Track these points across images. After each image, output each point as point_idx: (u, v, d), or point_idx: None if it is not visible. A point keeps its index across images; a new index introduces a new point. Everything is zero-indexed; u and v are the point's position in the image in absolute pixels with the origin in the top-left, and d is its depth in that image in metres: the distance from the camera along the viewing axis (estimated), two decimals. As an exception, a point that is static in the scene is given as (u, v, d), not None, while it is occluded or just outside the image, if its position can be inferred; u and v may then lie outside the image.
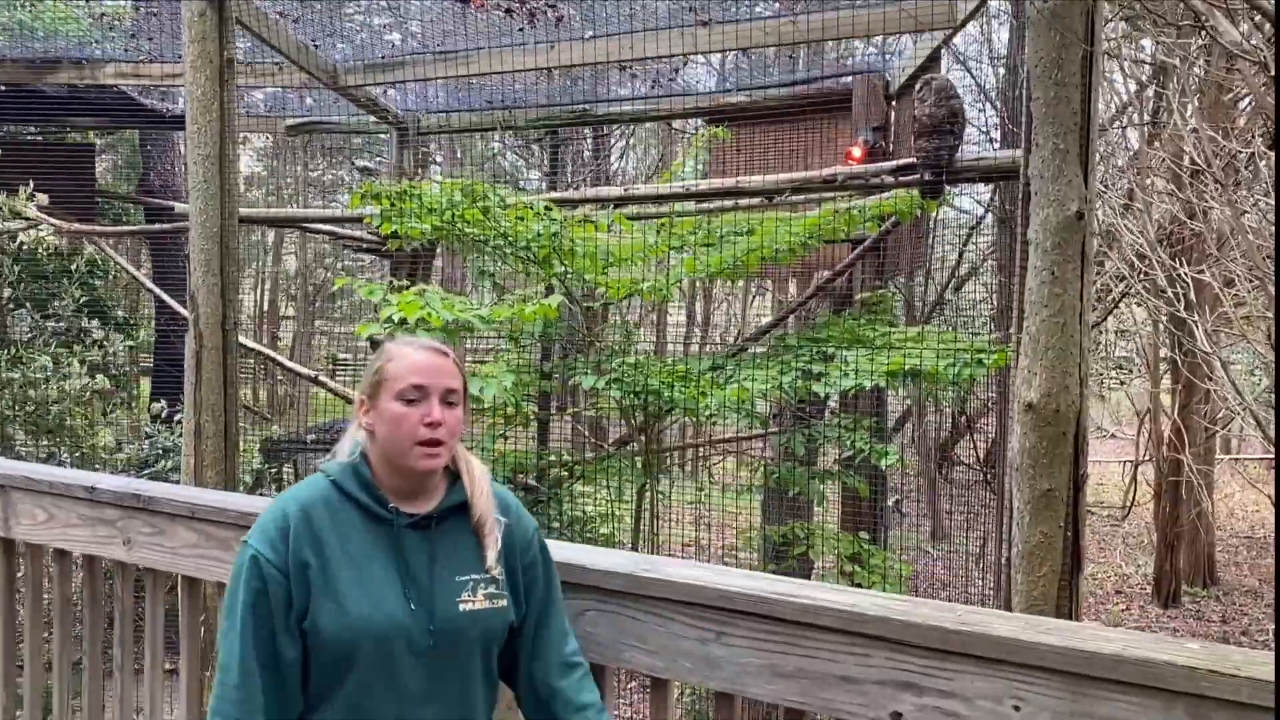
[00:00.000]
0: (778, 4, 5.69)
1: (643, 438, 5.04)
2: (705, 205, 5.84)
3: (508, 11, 5.20)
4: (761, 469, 5.46)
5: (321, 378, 6.40)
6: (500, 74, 6.17)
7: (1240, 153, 6.08)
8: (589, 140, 16.07)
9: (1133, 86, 10.17)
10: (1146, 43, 10.43)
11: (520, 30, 5.32)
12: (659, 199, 4.87)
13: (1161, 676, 1.44)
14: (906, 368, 4.17)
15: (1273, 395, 9.06)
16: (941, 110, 3.53)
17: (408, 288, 4.34)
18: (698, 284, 18.68)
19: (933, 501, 13.94)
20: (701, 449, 11.41)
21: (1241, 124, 8.74)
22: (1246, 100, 9.48)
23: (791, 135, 7.00)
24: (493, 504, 1.77)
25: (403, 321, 3.75)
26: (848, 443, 4.48)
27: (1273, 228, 5.49)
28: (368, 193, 4.53)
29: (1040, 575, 3.25)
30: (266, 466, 8.41)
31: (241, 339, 6.17)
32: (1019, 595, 3.30)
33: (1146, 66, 9.96)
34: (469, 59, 5.96)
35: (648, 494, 5.06)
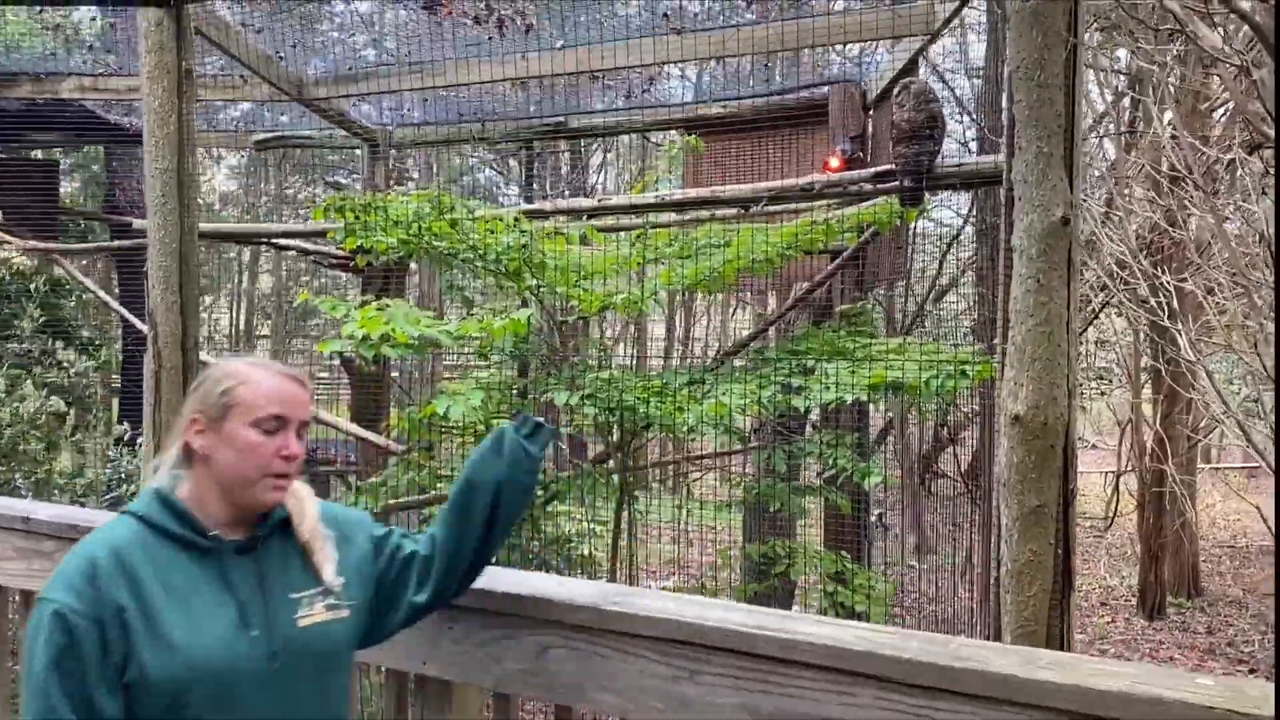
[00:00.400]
0: (751, 13, 5.60)
1: (620, 455, 4.90)
2: (682, 217, 5.74)
3: (476, 20, 5.08)
4: (742, 485, 5.33)
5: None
6: (471, 85, 6.05)
7: (1220, 159, 6.03)
8: (566, 154, 15.98)
9: (1109, 96, 10.17)
10: (1122, 53, 10.44)
11: (490, 40, 5.20)
12: (633, 210, 4.76)
13: (1175, 716, 1.32)
14: (889, 381, 4.06)
15: (1254, 404, 9.03)
16: (921, 115, 3.43)
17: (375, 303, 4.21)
18: (678, 297, 18.62)
19: (916, 514, 13.86)
20: (681, 465, 11.28)
21: (1218, 133, 8.73)
22: (1223, 109, 9.49)
23: (768, 147, 6.92)
24: (319, 518, 1.67)
25: (365, 338, 3.61)
26: (829, 460, 4.35)
27: (1255, 234, 5.44)
28: (331, 205, 4.39)
29: (1030, 595, 3.12)
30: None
31: (207, 358, 6.00)
32: (1009, 615, 3.18)
33: (1122, 76, 9.96)
34: (439, 70, 5.83)
35: (625, 513, 4.93)
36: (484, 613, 1.87)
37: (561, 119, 7.16)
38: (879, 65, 6.55)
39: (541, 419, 1.88)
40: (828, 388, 4.10)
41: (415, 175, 17.63)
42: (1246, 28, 5.16)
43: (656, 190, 4.80)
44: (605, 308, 4.57)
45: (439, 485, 5.02)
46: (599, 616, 1.73)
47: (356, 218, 4.31)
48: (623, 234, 5.25)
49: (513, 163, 15.57)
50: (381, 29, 6.30)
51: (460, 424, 4.21)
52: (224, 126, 8.55)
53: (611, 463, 5.12)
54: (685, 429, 3.88)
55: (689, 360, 19.38)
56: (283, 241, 7.07)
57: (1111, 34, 9.11)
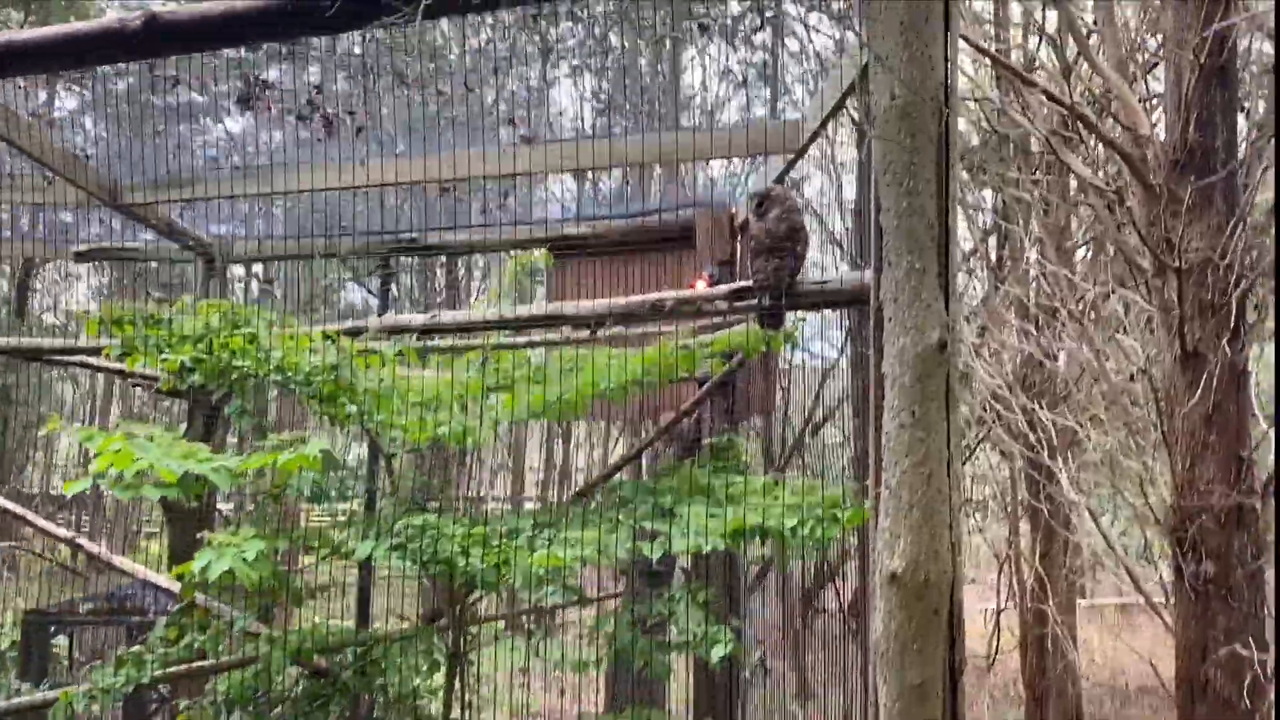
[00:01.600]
0: (616, 126, 5.29)
1: (452, 611, 4.23)
2: (533, 338, 5.27)
3: (300, 118, 4.61)
4: (597, 641, 4.68)
5: (79, 540, 5.35)
6: (304, 194, 5.51)
7: (1091, 292, 5.94)
8: (440, 273, 15.52)
9: (977, 234, 10.31)
10: (987, 194, 10.66)
11: (320, 142, 4.73)
12: (467, 328, 4.24)
13: None
14: (752, 525, 3.56)
15: (1130, 541, 8.90)
16: (782, 225, 3.05)
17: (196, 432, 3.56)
18: (556, 427, 18.07)
19: (798, 656, 13.26)
20: (526, 618, 10.37)
21: (1081, 270, 8.84)
22: (1085, 248, 9.67)
23: (635, 270, 6.58)
24: None
25: (119, 477, 2.93)
26: (685, 629, 3.78)
27: (1131, 370, 5.28)
28: (106, 318, 3.73)
29: (916, 796, 2.59)
30: (28, 643, 7.08)
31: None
32: (892, 820, 2.64)
33: (991, 214, 10.13)
34: (266, 176, 5.28)
35: (459, 680, 4.23)
36: None
37: (415, 235, 6.66)
38: (747, 188, 6.33)
39: None
40: (685, 534, 3.58)
41: (278, 294, 16.82)
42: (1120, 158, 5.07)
43: (496, 305, 4.29)
44: (435, 438, 3.98)
45: (242, 650, 4.23)
46: None
47: (134, 332, 3.66)
48: (460, 354, 4.71)
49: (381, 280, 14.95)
50: (212, 134, 5.74)
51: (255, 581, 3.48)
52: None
53: (445, 619, 4.43)
54: (513, 584, 3.28)
55: (569, 490, 18.68)
56: (93, 361, 6.26)
57: (976, 174, 9.26)
